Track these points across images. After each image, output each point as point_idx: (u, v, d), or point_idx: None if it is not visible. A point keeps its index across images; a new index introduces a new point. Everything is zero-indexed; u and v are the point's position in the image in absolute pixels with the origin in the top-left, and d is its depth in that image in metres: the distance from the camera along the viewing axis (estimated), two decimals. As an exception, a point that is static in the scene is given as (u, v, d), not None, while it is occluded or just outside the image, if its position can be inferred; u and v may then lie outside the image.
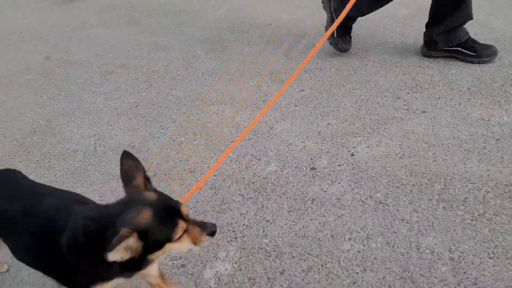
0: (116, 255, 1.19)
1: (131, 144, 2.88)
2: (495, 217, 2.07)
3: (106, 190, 2.51)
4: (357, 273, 1.90)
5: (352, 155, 2.57)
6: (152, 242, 1.28)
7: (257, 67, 3.59)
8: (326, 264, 1.95)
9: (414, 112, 2.86)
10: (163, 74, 3.72)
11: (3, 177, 1.77)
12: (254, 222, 2.20)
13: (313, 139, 2.73)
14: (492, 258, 1.89)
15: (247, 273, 1.96)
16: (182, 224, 1.32)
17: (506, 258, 1.88)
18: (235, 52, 3.92)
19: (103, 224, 1.27)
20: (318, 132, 2.78)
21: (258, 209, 2.27)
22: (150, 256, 1.33)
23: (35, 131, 3.13)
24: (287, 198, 2.32)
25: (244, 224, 2.20)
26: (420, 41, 3.51)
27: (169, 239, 1.31)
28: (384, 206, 2.20)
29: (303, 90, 3.23)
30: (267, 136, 2.80)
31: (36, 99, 3.55)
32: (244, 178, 2.49)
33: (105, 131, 3.04)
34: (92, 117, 3.22)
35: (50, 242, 1.39)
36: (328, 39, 3.47)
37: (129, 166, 1.39)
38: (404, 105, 2.94)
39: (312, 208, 2.25)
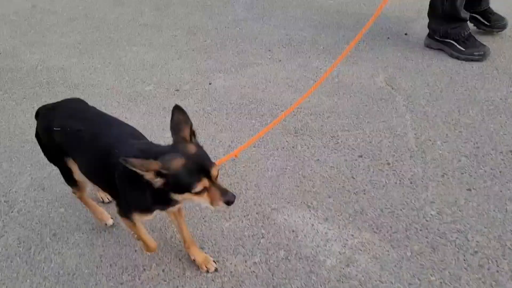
0: (132, 167, 1.40)
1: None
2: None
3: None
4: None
5: (210, 83, 3.45)
6: (174, 184, 1.48)
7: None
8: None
9: (274, 60, 3.69)
10: (114, 22, 4.68)
11: (75, 103, 2.09)
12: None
13: (189, 72, 3.62)
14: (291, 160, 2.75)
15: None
16: (204, 182, 1.48)
17: (296, 172, 2.73)
18: (173, 11, 4.81)
19: (148, 157, 1.47)
20: (196, 68, 3.67)
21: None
22: (173, 196, 1.54)
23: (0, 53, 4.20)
24: (151, 106, 3.24)
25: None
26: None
27: (188, 190, 1.48)
28: (217, 113, 3.08)
29: (205, 41, 4.11)
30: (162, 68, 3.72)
31: (12, 33, 4.60)
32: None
33: (49, 56, 4.05)
34: (46, 48, 4.24)
35: (107, 164, 1.65)
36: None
37: (179, 119, 1.57)
38: (270, 57, 3.77)
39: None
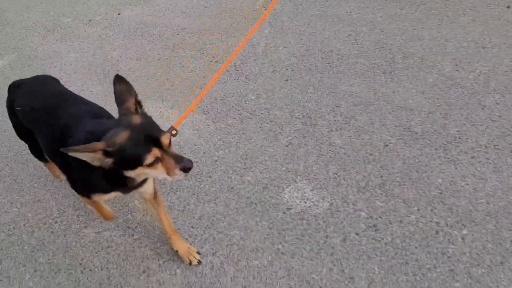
0: (74, 154, 1.33)
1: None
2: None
3: None
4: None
5: (118, 14, 3.99)
6: (123, 161, 1.37)
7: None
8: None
9: (180, -7, 4.19)
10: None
11: (41, 80, 2.07)
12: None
13: (104, 6, 4.16)
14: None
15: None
16: (155, 152, 1.37)
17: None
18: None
19: (97, 137, 1.39)
20: (112, 2, 4.20)
21: (41, 37, 3.79)
22: (126, 173, 1.43)
23: None
24: (65, 35, 3.81)
25: (28, 43, 3.72)
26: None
27: (139, 163, 1.37)
28: (116, 36, 3.64)
29: (127, -20, 4.60)
30: None
31: None
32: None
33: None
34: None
35: (62, 145, 1.42)
36: None
37: (121, 89, 1.46)
38: (177, -11, 4.26)
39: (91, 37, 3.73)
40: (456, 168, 2.09)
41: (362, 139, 2.33)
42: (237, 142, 2.48)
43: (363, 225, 1.95)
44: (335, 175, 2.18)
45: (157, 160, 1.40)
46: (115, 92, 1.47)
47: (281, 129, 2.49)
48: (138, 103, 1.48)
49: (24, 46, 3.82)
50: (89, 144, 1.35)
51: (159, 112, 2.78)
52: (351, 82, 2.69)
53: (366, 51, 2.90)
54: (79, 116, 1.68)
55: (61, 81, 2.14)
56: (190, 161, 1.42)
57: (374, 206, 2.01)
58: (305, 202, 2.09)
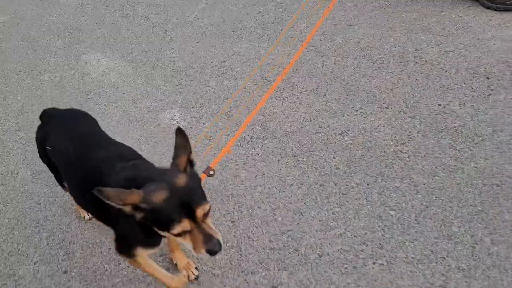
0: (106, 199, 1.27)
1: None
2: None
3: None
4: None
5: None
6: (154, 220, 1.35)
7: None
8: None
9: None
10: None
11: (72, 115, 2.01)
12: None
13: None
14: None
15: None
16: (185, 224, 1.32)
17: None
18: None
19: (134, 186, 1.34)
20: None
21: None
22: (158, 231, 1.39)
23: None
24: None
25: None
26: None
27: (167, 229, 1.33)
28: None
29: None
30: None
31: None
32: None
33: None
34: None
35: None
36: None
37: (179, 143, 1.42)
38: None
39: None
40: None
41: (230, 82, 3.06)
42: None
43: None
44: (200, 105, 2.93)
45: (184, 231, 1.35)
46: (175, 144, 1.44)
47: (180, 75, 3.25)
48: (190, 162, 1.44)
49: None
50: (125, 191, 1.31)
51: (98, 65, 3.60)
52: (242, 45, 3.42)
53: (265, 24, 3.62)
54: (112, 160, 1.63)
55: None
56: (219, 244, 1.36)
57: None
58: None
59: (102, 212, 1.64)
